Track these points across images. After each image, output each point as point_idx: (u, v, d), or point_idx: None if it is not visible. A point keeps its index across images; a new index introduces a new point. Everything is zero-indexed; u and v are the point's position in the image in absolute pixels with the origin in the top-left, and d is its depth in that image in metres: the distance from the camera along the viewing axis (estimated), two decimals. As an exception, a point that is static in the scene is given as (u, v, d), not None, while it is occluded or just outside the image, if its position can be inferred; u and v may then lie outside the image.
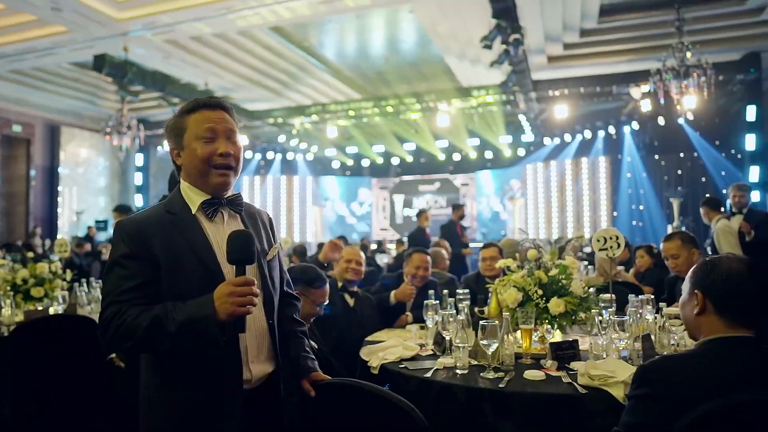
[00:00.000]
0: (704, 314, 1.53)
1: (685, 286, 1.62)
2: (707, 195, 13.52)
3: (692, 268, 1.62)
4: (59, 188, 14.63)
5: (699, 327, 1.55)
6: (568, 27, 9.84)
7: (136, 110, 13.67)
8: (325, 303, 2.66)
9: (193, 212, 1.53)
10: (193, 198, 1.55)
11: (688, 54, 8.64)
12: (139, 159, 16.11)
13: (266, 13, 9.12)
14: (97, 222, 14.64)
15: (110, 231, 14.86)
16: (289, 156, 18.41)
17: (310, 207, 18.52)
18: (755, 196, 10.88)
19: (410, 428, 1.41)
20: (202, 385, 1.45)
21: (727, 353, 1.44)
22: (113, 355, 2.98)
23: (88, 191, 15.41)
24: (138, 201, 15.96)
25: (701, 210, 6.22)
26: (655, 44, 9.77)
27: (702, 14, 9.19)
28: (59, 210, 14.66)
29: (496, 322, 2.16)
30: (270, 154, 18.10)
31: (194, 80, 12.40)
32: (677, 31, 8.68)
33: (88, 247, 11.04)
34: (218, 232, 1.54)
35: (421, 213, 8.59)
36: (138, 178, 16.11)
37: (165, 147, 16.22)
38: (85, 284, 4.25)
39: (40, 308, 3.74)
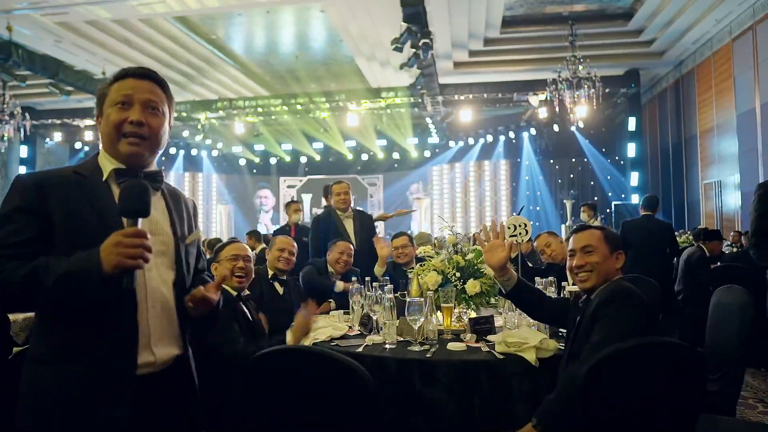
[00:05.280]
0: (620, 268, 2.08)
1: (603, 247, 2.07)
2: (593, 200, 14.81)
3: (601, 233, 2.12)
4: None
5: (617, 274, 2.06)
6: (474, 35, 10.36)
7: (21, 96, 12.56)
8: None
9: (103, 178, 1.44)
10: (107, 165, 1.46)
11: (580, 67, 9.42)
12: (23, 151, 14.83)
13: (173, 2, 8.78)
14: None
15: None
16: (193, 152, 17.76)
17: (215, 205, 17.98)
18: (635, 199, 12.06)
19: (359, 386, 1.50)
20: (92, 358, 1.33)
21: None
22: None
23: (-41, 184, 13.97)
24: (22, 196, 14.67)
25: (585, 209, 7.83)
26: (552, 56, 10.51)
27: (592, 31, 10.05)
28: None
29: (422, 299, 2.31)
30: (172, 150, 17.36)
31: (90, 68, 11.64)
32: (570, 45, 9.44)
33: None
34: None
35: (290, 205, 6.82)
36: (22, 172, 14.82)
37: (54, 139, 15.08)
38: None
39: None
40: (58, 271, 1.23)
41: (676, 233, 9.79)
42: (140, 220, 1.29)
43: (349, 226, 4.61)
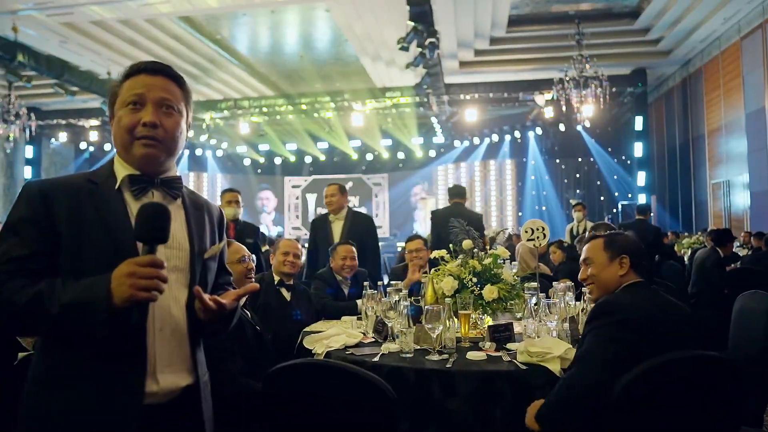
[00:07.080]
0: (627, 273, 1.98)
1: (601, 256, 2.02)
2: (600, 200, 14.72)
3: (601, 242, 2.05)
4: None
5: (619, 283, 1.98)
6: (479, 34, 10.30)
7: (27, 97, 12.58)
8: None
9: (116, 186, 1.32)
10: (121, 171, 1.34)
11: (587, 66, 9.35)
12: (28, 151, 14.85)
13: (178, 2, 8.74)
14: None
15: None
16: (198, 152, 17.77)
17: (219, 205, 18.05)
18: (642, 199, 11.98)
19: (380, 400, 1.45)
20: (94, 386, 1.22)
21: (642, 292, 1.94)
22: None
23: (-35, 185, 13.98)
24: (27, 197, 14.69)
25: (579, 208, 8.13)
26: (558, 55, 10.46)
27: (598, 30, 9.99)
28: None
29: (440, 306, 2.25)
30: (176, 150, 17.38)
31: (95, 68, 11.62)
32: (577, 44, 9.37)
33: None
34: None
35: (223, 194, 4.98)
36: (27, 172, 14.86)
37: (59, 139, 15.09)
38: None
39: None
40: (64, 299, 1.13)
41: (685, 234, 9.75)
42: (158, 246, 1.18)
43: (337, 228, 4.47)
